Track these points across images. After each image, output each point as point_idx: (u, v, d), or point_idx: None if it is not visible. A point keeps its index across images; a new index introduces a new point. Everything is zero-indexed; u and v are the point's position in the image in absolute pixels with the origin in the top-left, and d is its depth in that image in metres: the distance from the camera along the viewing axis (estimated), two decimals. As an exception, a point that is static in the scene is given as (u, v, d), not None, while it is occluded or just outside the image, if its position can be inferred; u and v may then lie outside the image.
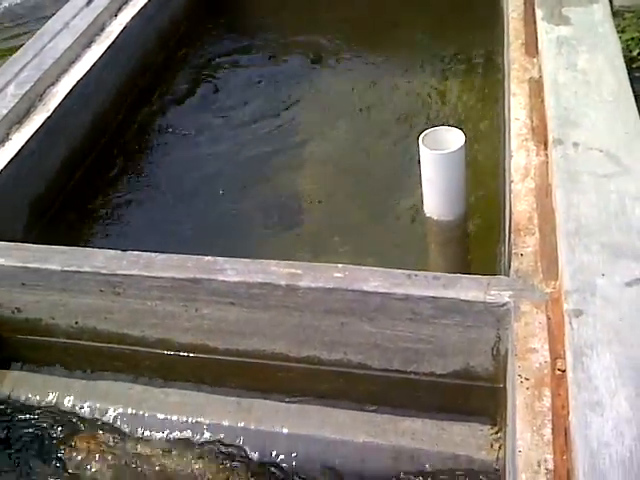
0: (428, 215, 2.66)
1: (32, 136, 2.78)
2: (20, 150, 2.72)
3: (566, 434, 1.53)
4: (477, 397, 2.06)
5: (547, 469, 1.49)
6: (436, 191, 2.59)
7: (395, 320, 1.99)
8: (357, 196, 2.84)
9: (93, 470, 2.08)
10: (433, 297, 1.91)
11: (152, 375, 2.29)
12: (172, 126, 3.35)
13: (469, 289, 1.91)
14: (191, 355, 2.27)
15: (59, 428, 2.19)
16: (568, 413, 1.54)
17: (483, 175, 2.79)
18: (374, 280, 1.97)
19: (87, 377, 2.31)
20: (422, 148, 2.51)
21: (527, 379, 1.67)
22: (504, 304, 1.87)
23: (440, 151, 2.48)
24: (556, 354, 1.70)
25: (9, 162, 2.66)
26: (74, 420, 2.21)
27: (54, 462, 2.10)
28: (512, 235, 2.06)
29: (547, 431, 1.56)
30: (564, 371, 1.64)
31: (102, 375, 2.32)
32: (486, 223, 2.61)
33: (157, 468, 2.09)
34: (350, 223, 2.71)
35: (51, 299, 2.26)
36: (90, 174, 3.04)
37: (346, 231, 2.67)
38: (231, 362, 2.24)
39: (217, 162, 3.11)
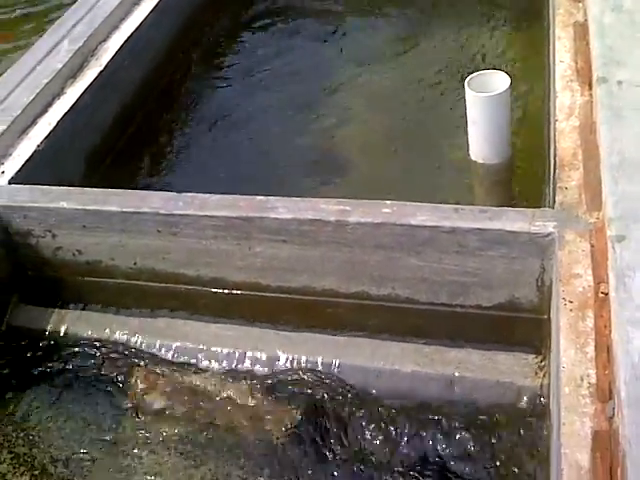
0: (474, 159, 2.70)
1: (86, 90, 2.88)
2: (75, 104, 2.81)
3: (608, 351, 1.58)
4: (522, 328, 2.12)
5: (590, 383, 1.55)
6: (482, 134, 2.63)
7: (442, 253, 2.05)
8: (404, 142, 2.88)
9: (151, 400, 2.19)
10: (479, 229, 1.97)
11: (207, 312, 2.38)
12: (222, 78, 3.43)
13: (514, 221, 1.96)
14: (244, 293, 2.35)
15: (119, 362, 2.29)
16: (610, 332, 1.59)
17: (528, 119, 2.81)
18: (421, 214, 2.03)
19: (145, 315, 2.41)
20: (468, 91, 2.55)
21: (571, 302, 1.73)
22: (548, 234, 1.91)
23: (486, 93, 2.51)
24: (599, 278, 1.75)
25: (65, 114, 2.76)
26: (133, 354, 2.31)
27: (115, 393, 2.22)
28: (556, 170, 2.10)
29: (590, 349, 1.62)
30: (607, 294, 1.69)
31: (159, 313, 2.40)
32: (531, 165, 2.64)
33: (211, 398, 2.18)
34: (396, 168, 2.76)
35: (111, 240, 2.36)
36: (141, 129, 3.14)
37: (392, 176, 2.72)
38: (282, 299, 2.32)
39: (264, 114, 3.18)
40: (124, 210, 2.27)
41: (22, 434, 2.11)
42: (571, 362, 1.61)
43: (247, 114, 3.20)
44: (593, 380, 1.56)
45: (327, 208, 2.12)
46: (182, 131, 3.20)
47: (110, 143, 3.01)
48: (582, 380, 1.57)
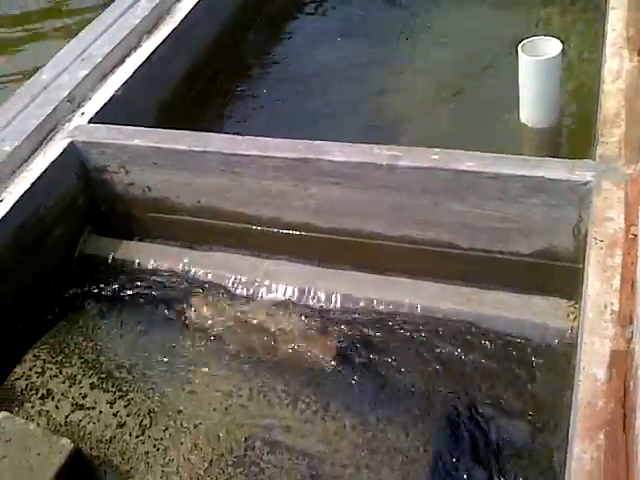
0: (523, 122, 2.81)
1: (160, 44, 3.08)
2: (150, 56, 3.02)
3: (633, 284, 1.70)
4: (557, 276, 2.23)
5: (612, 310, 1.68)
6: (532, 98, 2.74)
7: (485, 199, 2.18)
8: (455, 104, 3.01)
9: (206, 323, 2.37)
10: (522, 176, 2.10)
11: (262, 250, 2.55)
12: (291, 33, 3.61)
13: (556, 169, 2.08)
14: (298, 233, 2.52)
15: (179, 289, 2.49)
16: (636, 267, 1.71)
17: (578, 85, 2.91)
18: (468, 160, 2.16)
19: (205, 249, 2.59)
20: (521, 55, 2.66)
21: (601, 241, 1.85)
22: (587, 182, 2.03)
23: (538, 57, 2.62)
24: (630, 222, 1.86)
25: (140, 65, 2.97)
26: (192, 284, 2.50)
27: (174, 315, 2.41)
28: (599, 127, 2.21)
29: (616, 282, 1.74)
30: (636, 235, 1.80)
31: (218, 248, 2.59)
32: (578, 130, 2.74)
33: (261, 326, 2.35)
34: (446, 128, 2.89)
35: (178, 178, 2.56)
36: (210, 83, 3.34)
37: (443, 138, 2.85)
38: (332, 240, 2.48)
39: (328, 70, 3.34)
40: (192, 149, 2.46)
41: (91, 343, 2.32)
42: (596, 292, 1.74)
43: (313, 70, 3.36)
44: (616, 308, 1.68)
45: (379, 153, 2.26)
46: (249, 85, 3.39)
47: (181, 94, 3.21)
48: (605, 307, 1.69)
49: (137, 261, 2.63)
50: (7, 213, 2.35)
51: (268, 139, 2.43)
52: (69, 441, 1.85)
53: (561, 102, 2.77)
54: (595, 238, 1.87)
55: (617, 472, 1.38)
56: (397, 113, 3.15)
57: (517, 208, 2.16)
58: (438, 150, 2.24)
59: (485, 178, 2.14)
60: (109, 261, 2.64)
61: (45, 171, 2.50)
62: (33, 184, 2.44)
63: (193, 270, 2.56)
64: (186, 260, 2.58)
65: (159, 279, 2.55)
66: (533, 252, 2.24)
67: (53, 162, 2.53)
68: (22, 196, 2.41)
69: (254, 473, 1.92)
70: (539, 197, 2.11)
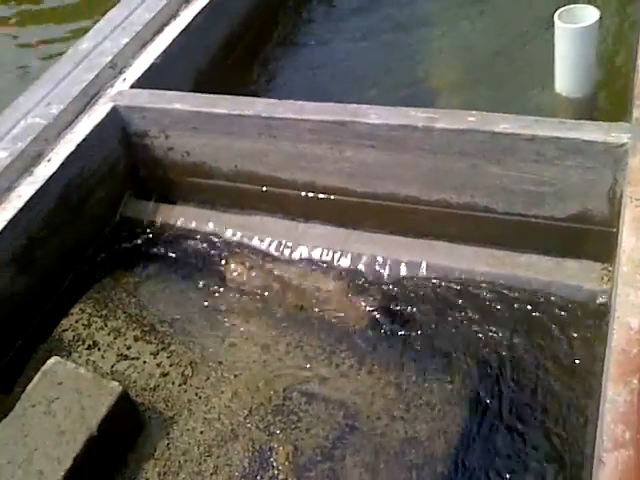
0: (559, 91, 2.83)
1: (198, 13, 3.13)
2: (188, 25, 3.08)
3: (668, 238, 1.73)
4: (591, 240, 2.26)
5: (647, 264, 1.70)
6: (568, 66, 2.76)
7: (521, 162, 2.21)
8: (492, 72, 3.04)
9: (244, 282, 2.44)
10: (558, 137, 2.12)
11: (298, 214, 2.61)
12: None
13: (592, 132, 2.10)
14: (332, 197, 2.57)
15: (216, 250, 2.55)
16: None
17: (615, 54, 2.92)
18: (504, 123, 2.19)
19: (241, 213, 2.65)
20: (557, 23, 2.68)
21: (637, 199, 1.88)
22: (622, 145, 2.05)
23: (574, 25, 2.64)
24: (667, 180, 1.88)
25: (179, 34, 3.03)
26: (229, 245, 2.56)
27: (212, 274, 2.48)
28: (636, 90, 2.22)
29: (651, 238, 1.77)
30: (671, 194, 1.83)
31: (254, 212, 2.65)
32: (615, 99, 2.75)
33: (297, 287, 2.41)
34: (482, 96, 2.92)
35: (216, 143, 2.61)
36: (246, 51, 3.39)
37: (478, 106, 2.86)
38: (367, 204, 2.53)
39: (363, 42, 3.39)
40: (231, 112, 2.52)
41: (134, 300, 2.39)
42: (631, 247, 1.77)
43: (350, 42, 3.41)
44: (653, 263, 1.71)
45: (416, 115, 2.30)
46: (284, 55, 3.44)
47: (217, 63, 3.27)
48: (640, 262, 1.72)
49: (176, 224, 2.70)
50: (54, 172, 2.42)
51: (305, 102, 2.48)
52: (117, 384, 1.92)
53: (597, 71, 2.77)
54: (630, 197, 1.90)
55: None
56: (431, 83, 3.18)
57: (553, 171, 2.19)
58: (475, 112, 2.27)
59: (522, 140, 2.16)
60: (149, 223, 2.71)
61: (89, 134, 2.57)
62: (78, 146, 2.52)
63: (230, 232, 2.62)
64: (223, 223, 2.64)
65: (197, 241, 2.62)
66: (568, 216, 2.27)
67: (96, 125, 2.60)
68: (68, 157, 2.48)
69: (292, 421, 1.98)
70: (575, 159, 2.13)
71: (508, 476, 1.79)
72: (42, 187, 2.39)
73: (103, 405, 1.87)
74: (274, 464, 1.89)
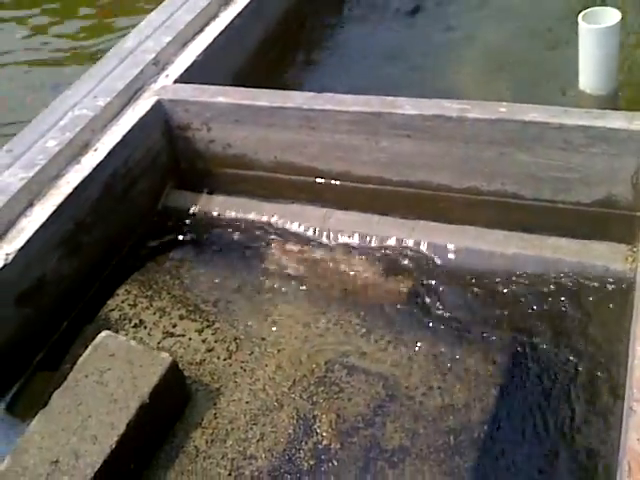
0: (582, 89, 2.94)
1: (237, 15, 3.27)
2: (227, 26, 3.22)
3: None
4: (616, 224, 2.36)
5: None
6: (591, 65, 2.87)
7: (549, 149, 2.32)
8: (517, 71, 3.15)
9: (284, 265, 2.55)
10: (584, 126, 2.23)
11: (334, 202, 2.72)
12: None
13: (616, 119, 2.22)
14: (368, 186, 2.69)
15: (257, 236, 2.67)
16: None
17: (637, 54, 3.03)
18: (534, 112, 2.31)
19: (280, 202, 2.76)
20: (581, 23, 2.80)
21: (662, 181, 1.98)
22: (646, 131, 2.16)
23: (597, 26, 2.76)
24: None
25: (219, 34, 3.17)
26: (269, 232, 2.67)
27: (253, 258, 2.59)
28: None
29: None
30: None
31: (293, 201, 2.76)
32: (637, 95, 2.86)
33: (335, 269, 2.51)
34: (507, 93, 3.03)
35: (257, 135, 2.74)
36: (283, 53, 3.53)
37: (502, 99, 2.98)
38: (401, 192, 2.64)
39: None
40: (272, 105, 2.64)
41: (177, 282, 2.51)
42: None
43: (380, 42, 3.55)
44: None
45: (449, 106, 2.42)
46: (320, 56, 3.58)
47: (254, 63, 3.40)
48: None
49: (216, 213, 2.82)
50: (101, 161, 2.55)
51: (343, 95, 2.60)
52: (167, 355, 2.03)
53: (618, 69, 2.88)
54: (656, 176, 2.00)
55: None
56: (457, 83, 3.30)
57: (579, 158, 2.30)
58: (505, 103, 2.38)
59: (550, 129, 2.28)
60: (190, 213, 2.83)
61: (134, 126, 2.71)
62: (123, 137, 2.65)
63: (269, 220, 2.73)
64: (262, 211, 2.76)
65: (237, 228, 2.73)
66: (593, 201, 2.37)
67: (141, 118, 2.74)
68: (114, 147, 2.62)
69: (334, 392, 2.08)
70: (600, 146, 2.24)
71: (542, 435, 1.88)
72: (89, 175, 2.51)
73: (154, 374, 1.97)
74: (318, 431, 1.99)
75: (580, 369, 2.02)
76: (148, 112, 2.75)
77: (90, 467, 1.80)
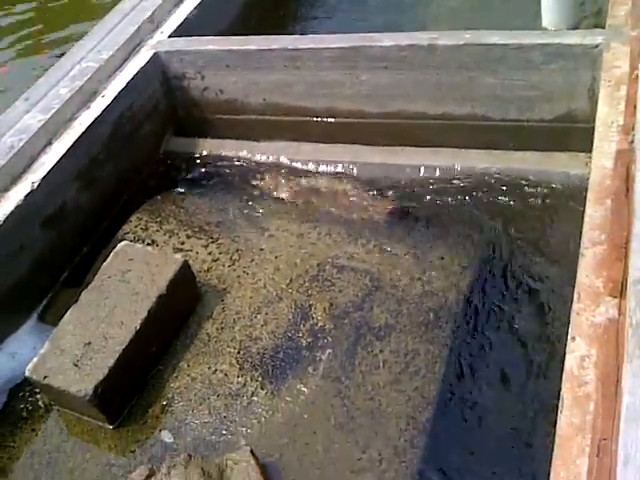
0: (545, 26, 3.20)
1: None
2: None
3: (635, 107, 2.08)
4: (576, 136, 2.61)
5: (618, 124, 2.07)
6: (552, 3, 3.13)
7: (512, 70, 2.57)
8: (477, 14, 3.42)
9: (277, 192, 2.81)
10: (541, 44, 2.49)
11: (321, 137, 2.98)
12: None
13: (571, 36, 2.48)
14: (350, 120, 2.94)
15: (251, 171, 2.93)
16: (637, 96, 2.10)
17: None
18: (496, 36, 2.57)
19: (271, 141, 3.02)
20: (540, -38, 3.05)
21: (609, 81, 2.25)
22: (597, 45, 2.42)
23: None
24: (634, 68, 2.25)
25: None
26: (263, 166, 2.94)
27: (250, 188, 2.85)
28: (609, 7, 2.60)
29: (621, 107, 2.13)
30: (638, 76, 2.18)
31: (282, 139, 3.02)
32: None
33: (324, 193, 2.77)
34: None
35: (247, 79, 2.99)
36: (275, 7, 3.79)
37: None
38: (380, 124, 2.90)
39: None
40: (259, 48, 2.89)
41: (182, 210, 2.76)
42: (605, 114, 2.13)
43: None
44: (621, 122, 2.08)
45: (420, 36, 2.68)
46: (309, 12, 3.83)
47: (244, 18, 3.66)
48: (612, 123, 2.09)
49: (213, 153, 3.08)
50: (109, 105, 2.80)
51: (325, 35, 2.86)
52: (180, 256, 2.29)
53: (579, 5, 3.15)
54: (604, 80, 2.26)
55: (621, 223, 1.77)
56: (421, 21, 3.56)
57: (540, 75, 2.55)
58: (470, 31, 2.64)
59: (511, 49, 2.53)
60: (189, 156, 3.09)
61: (135, 75, 2.96)
62: (127, 84, 2.90)
63: (262, 156, 3.00)
64: (255, 150, 3.02)
65: (233, 165, 3.00)
66: (555, 117, 2.63)
67: (141, 68, 2.99)
68: (119, 93, 2.87)
69: (327, 286, 2.34)
70: (558, 62, 2.50)
71: (507, 308, 2.15)
72: (99, 116, 2.76)
73: (169, 271, 2.23)
74: (314, 316, 2.25)
75: (545, 250, 2.28)
76: (147, 63, 3.01)
77: (119, 345, 2.06)
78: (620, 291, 1.61)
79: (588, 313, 1.59)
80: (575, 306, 1.61)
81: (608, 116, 2.12)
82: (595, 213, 1.82)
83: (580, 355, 1.52)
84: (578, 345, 1.54)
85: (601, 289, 1.63)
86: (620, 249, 1.67)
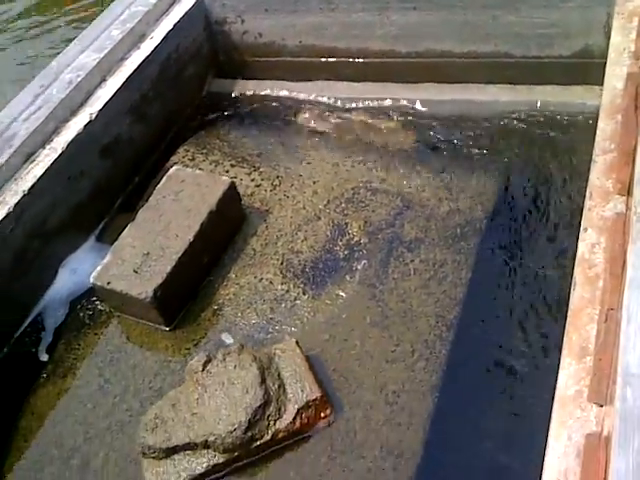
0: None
1: None
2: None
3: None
4: (593, 71, 2.78)
5: (630, 51, 2.26)
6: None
7: (533, 8, 2.76)
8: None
9: (315, 125, 3.02)
10: (561, -17, 2.67)
11: (354, 77, 3.18)
12: None
13: (588, -24, 2.65)
14: (381, 60, 3.14)
15: (289, 107, 3.15)
16: (650, 23, 2.28)
17: None
18: (518, -24, 2.75)
19: (306, 81, 3.23)
20: None
21: (623, 14, 2.43)
22: (614, -15, 2.59)
23: None
24: (647, 1, 2.43)
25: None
26: (299, 103, 3.16)
27: (289, 123, 3.07)
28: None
29: (632, 34, 2.31)
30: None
31: (317, 79, 3.23)
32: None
33: (358, 125, 2.98)
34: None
35: (284, 22, 3.19)
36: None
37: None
38: (410, 63, 3.10)
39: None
40: (297, -10, 3.10)
41: (226, 143, 2.99)
42: (617, 42, 2.32)
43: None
44: (632, 49, 2.26)
45: (448, -23, 2.86)
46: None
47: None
48: (624, 50, 2.28)
49: (253, 93, 3.30)
50: (157, 45, 3.02)
51: (359, -22, 3.05)
52: (227, 177, 2.53)
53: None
54: (617, 13, 2.45)
55: (629, 134, 1.97)
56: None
57: (558, 13, 2.73)
58: (495, -27, 2.82)
59: (533, -14, 2.72)
60: (231, 96, 3.31)
61: (181, 18, 3.16)
62: (174, 25, 3.11)
63: (298, 94, 3.20)
64: (292, 89, 3.23)
65: (271, 102, 3.22)
66: (573, 53, 2.81)
67: (186, 12, 3.20)
68: (166, 34, 3.08)
69: (361, 206, 2.57)
70: (575, 0, 2.68)
71: (532, 222, 2.37)
72: (148, 56, 2.98)
73: (218, 191, 2.46)
74: (350, 232, 2.48)
75: (565, 170, 2.49)
76: (191, 8, 3.21)
77: (175, 254, 2.30)
78: (628, 190, 1.81)
79: (599, 209, 1.80)
80: (587, 203, 1.82)
81: (620, 44, 2.31)
82: (607, 126, 2.02)
83: (591, 243, 1.74)
84: (589, 235, 1.76)
85: (610, 189, 1.84)
86: (628, 156, 1.88)
